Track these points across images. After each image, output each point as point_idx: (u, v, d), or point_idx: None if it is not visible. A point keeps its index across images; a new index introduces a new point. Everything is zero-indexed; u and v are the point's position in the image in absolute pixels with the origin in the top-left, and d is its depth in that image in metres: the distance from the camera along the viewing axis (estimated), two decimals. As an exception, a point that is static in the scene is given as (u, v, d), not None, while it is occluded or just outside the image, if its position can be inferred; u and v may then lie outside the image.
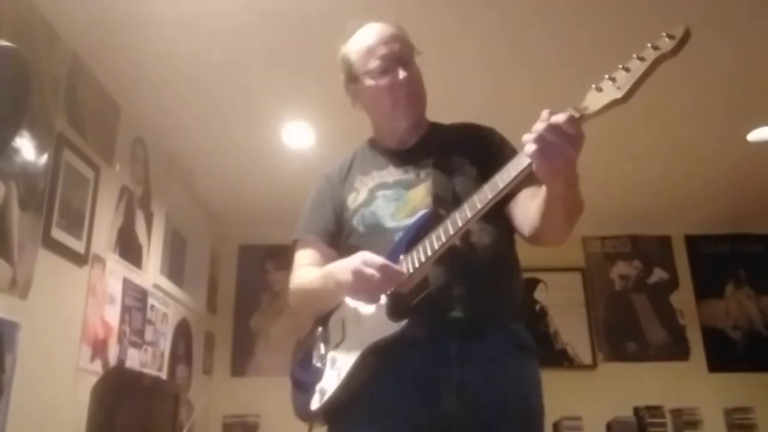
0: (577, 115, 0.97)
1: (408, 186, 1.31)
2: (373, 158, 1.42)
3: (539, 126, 0.98)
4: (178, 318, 3.60)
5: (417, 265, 1.14)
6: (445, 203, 1.24)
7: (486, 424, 1.14)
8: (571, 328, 4.38)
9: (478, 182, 1.18)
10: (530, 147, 0.98)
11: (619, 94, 0.93)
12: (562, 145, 0.96)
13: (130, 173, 2.94)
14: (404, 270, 1.15)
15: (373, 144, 1.47)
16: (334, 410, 1.20)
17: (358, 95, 1.41)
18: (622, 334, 4.39)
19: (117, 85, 2.72)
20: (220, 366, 4.27)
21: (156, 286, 3.21)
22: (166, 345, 3.36)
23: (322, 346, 1.29)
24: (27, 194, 2.09)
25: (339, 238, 1.37)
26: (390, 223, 1.27)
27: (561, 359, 4.33)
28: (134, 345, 2.91)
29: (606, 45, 2.33)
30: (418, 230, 1.19)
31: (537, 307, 4.46)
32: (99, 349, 2.54)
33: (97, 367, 2.51)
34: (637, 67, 0.93)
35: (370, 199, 1.33)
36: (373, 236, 1.28)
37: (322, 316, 1.33)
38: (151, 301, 3.14)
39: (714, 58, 2.60)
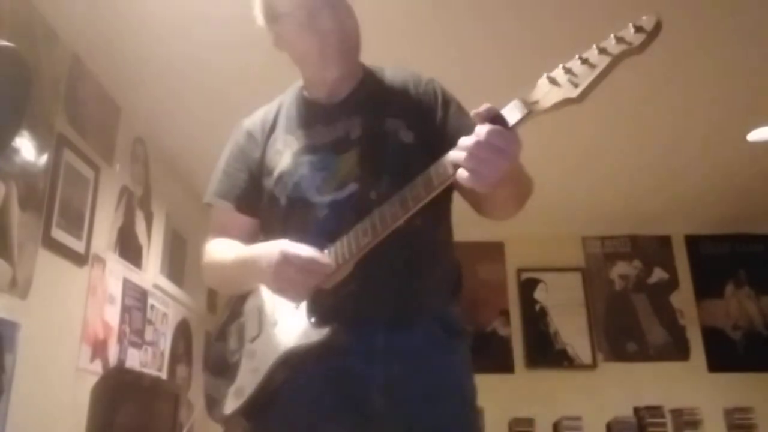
0: (519, 114, 0.88)
1: (337, 150, 1.15)
2: (298, 113, 1.24)
3: (469, 143, 0.88)
4: (178, 318, 3.60)
5: (341, 261, 1.03)
6: (374, 176, 1.11)
7: (417, 420, 1.05)
8: (571, 328, 4.38)
9: (412, 150, 1.11)
10: (461, 171, 0.89)
11: (573, 94, 0.83)
12: (495, 160, 0.87)
13: (130, 173, 2.94)
14: (332, 263, 1.03)
15: (301, 94, 1.28)
16: (252, 412, 1.10)
17: (281, 38, 1.24)
18: (622, 334, 4.39)
19: (117, 85, 2.72)
20: (220, 366, 4.26)
21: (156, 286, 3.22)
22: (166, 345, 3.36)
23: (236, 340, 1.17)
24: (27, 194, 2.09)
25: (257, 204, 1.22)
26: (315, 198, 1.13)
27: (561, 359, 4.33)
28: (134, 345, 2.91)
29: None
30: (343, 213, 1.08)
31: (537, 307, 4.46)
32: (99, 349, 2.54)
33: (97, 367, 2.51)
34: (598, 62, 0.82)
35: (294, 165, 1.17)
36: (297, 210, 1.14)
37: (236, 300, 1.23)
38: (151, 301, 3.14)
39: (714, 58, 2.59)
